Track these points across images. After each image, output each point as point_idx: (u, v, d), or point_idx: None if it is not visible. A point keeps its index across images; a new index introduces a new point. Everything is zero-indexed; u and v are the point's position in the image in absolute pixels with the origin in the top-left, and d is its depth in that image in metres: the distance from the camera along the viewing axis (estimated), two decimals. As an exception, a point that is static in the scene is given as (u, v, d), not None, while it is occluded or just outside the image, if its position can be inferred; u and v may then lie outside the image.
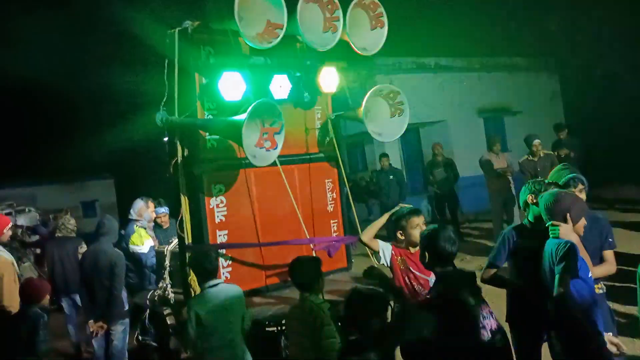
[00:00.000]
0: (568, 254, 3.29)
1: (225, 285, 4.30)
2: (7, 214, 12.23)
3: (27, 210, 12.70)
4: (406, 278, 4.19)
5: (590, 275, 3.44)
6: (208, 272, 4.16)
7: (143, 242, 5.84)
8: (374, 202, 14.22)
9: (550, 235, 3.51)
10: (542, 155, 9.50)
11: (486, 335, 3.04)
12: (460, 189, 12.22)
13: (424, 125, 16.37)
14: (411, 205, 4.53)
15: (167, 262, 5.42)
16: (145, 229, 6.03)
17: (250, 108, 4.37)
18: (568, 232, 3.46)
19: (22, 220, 12.33)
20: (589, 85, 15.25)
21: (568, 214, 3.49)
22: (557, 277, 3.27)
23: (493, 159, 10.51)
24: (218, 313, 4.07)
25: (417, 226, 4.20)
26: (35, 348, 4.37)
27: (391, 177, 11.13)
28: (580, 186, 4.23)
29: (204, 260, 4.17)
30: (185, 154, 4.95)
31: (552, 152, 9.88)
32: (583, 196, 4.10)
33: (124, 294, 5.63)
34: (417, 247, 4.16)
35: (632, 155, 11.16)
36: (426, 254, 3.27)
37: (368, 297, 3.31)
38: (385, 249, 4.33)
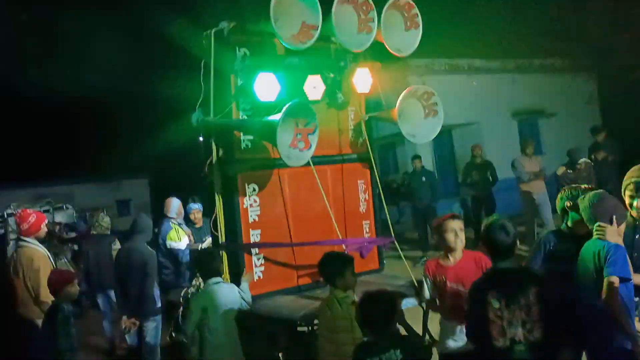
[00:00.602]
0: (618, 257, 3.25)
1: (226, 284, 4.42)
2: (45, 211, 12.58)
3: (64, 207, 13.02)
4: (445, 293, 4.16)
5: (632, 280, 3.37)
6: (212, 271, 4.33)
7: (180, 239, 5.95)
8: (405, 205, 14.16)
9: (597, 236, 3.44)
10: (582, 167, 9.13)
11: (501, 342, 3.04)
12: (494, 191, 12.08)
13: (456, 127, 16.23)
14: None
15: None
16: (181, 226, 6.13)
17: (284, 109, 4.40)
18: (614, 234, 3.40)
19: (59, 218, 12.66)
20: (626, 87, 14.88)
21: (614, 216, 3.42)
22: (605, 279, 3.22)
23: (525, 162, 10.37)
24: (220, 310, 4.20)
25: (452, 231, 4.16)
26: (56, 342, 4.31)
27: (423, 178, 11.05)
28: None
29: (209, 260, 4.35)
30: (220, 154, 5.01)
31: (590, 162, 9.49)
32: None
33: (157, 292, 5.72)
34: (455, 255, 4.15)
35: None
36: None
37: (374, 298, 3.36)
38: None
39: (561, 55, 16.51)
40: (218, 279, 4.31)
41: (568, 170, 9.14)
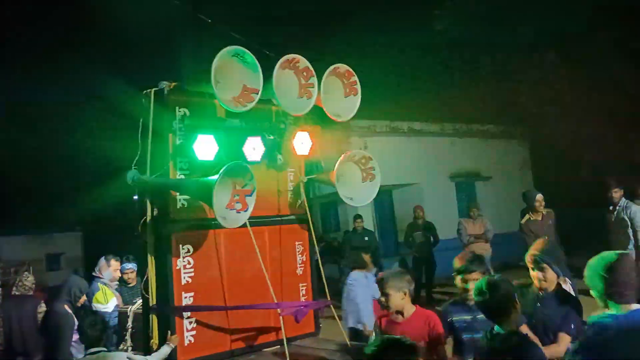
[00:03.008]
0: None
1: (110, 353, 4.26)
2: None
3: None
4: None
5: None
6: (92, 340, 4.17)
7: (108, 301, 5.68)
8: (346, 264, 14.12)
9: None
10: (544, 212, 8.52)
11: None
12: (435, 252, 12.27)
13: (397, 187, 16.56)
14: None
15: (129, 323, 5.27)
16: (108, 287, 5.88)
17: (222, 169, 4.38)
18: None
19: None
20: (556, 154, 15.71)
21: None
22: None
23: (469, 225, 10.63)
24: None
25: (400, 289, 4.17)
26: None
27: (365, 238, 11.14)
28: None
29: (88, 327, 4.19)
30: (154, 213, 4.91)
31: (551, 210, 8.77)
32: None
33: (79, 356, 5.42)
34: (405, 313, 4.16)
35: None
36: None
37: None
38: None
39: (496, 123, 17.33)
40: (98, 348, 4.12)
41: (531, 217, 8.50)
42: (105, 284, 5.78)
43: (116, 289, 5.98)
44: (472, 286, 3.94)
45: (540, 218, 8.44)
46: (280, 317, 4.85)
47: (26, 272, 6.75)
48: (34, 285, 6.58)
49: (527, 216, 8.68)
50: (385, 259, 14.18)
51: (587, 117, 14.73)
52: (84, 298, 5.71)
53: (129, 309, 5.37)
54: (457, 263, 4.25)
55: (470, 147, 17.01)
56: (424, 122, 16.74)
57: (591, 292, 2.98)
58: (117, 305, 5.78)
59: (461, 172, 17.01)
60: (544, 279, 4.00)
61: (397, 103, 16.04)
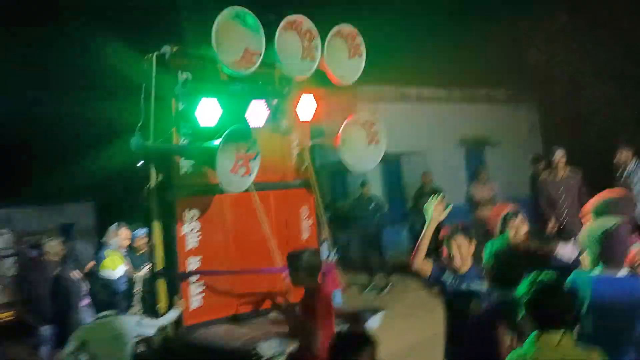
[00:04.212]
0: None
1: (119, 317, 4.29)
2: (-19, 235, 12.04)
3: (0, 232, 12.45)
4: None
5: None
6: (100, 304, 4.18)
7: (116, 267, 5.73)
8: (354, 231, 14.16)
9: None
10: (566, 172, 7.47)
11: None
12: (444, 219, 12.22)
13: (405, 154, 16.47)
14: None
15: (138, 288, 5.32)
16: (118, 253, 5.91)
17: (224, 134, 4.35)
18: None
19: (-3, 242, 12.08)
20: (566, 118, 15.50)
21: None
22: None
23: (477, 189, 10.57)
24: (103, 344, 4.05)
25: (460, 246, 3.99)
26: None
27: (371, 205, 11.12)
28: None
29: (97, 292, 4.20)
30: (158, 179, 4.90)
31: (577, 169, 7.70)
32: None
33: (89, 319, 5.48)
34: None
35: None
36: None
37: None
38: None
39: (505, 86, 17.08)
40: (108, 312, 4.16)
41: (550, 176, 7.52)
42: (114, 250, 5.82)
43: (125, 256, 6.03)
44: (456, 252, 3.90)
45: (559, 178, 7.42)
46: (285, 281, 4.85)
47: (52, 240, 6.69)
48: (59, 252, 6.54)
49: (543, 174, 7.72)
50: (393, 226, 14.20)
51: (598, 80, 14.49)
52: (91, 264, 5.77)
53: (136, 274, 5.41)
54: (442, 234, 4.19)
55: (479, 112, 16.81)
56: (432, 88, 16.54)
57: (585, 253, 3.19)
58: (126, 271, 5.83)
59: (470, 138, 16.86)
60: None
61: (405, 69, 15.85)
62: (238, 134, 4.54)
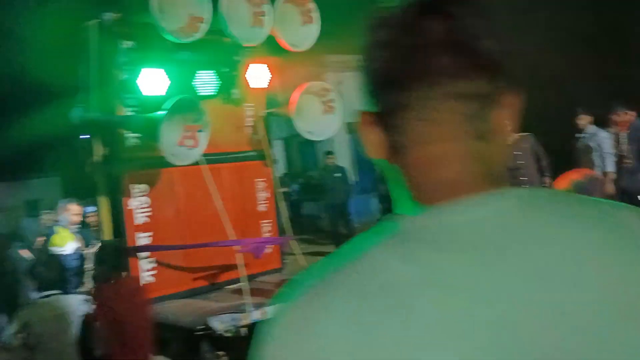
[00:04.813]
0: None
1: (63, 296, 4.13)
2: None
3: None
4: None
5: None
6: (47, 283, 4.01)
7: (65, 243, 5.55)
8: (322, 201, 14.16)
9: None
10: (517, 138, 7.23)
11: None
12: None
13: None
14: None
15: (88, 265, 5.17)
16: (68, 229, 5.72)
17: (169, 105, 4.18)
18: None
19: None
20: (533, 85, 15.51)
21: None
22: None
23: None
24: (47, 324, 3.91)
25: None
26: None
27: (337, 174, 11.05)
28: None
29: (42, 269, 4.02)
30: (103, 152, 4.73)
31: (527, 134, 7.65)
32: None
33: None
34: None
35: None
36: None
37: None
38: None
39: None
40: (53, 291, 4.00)
41: None
42: (63, 227, 5.63)
43: (77, 232, 5.85)
44: None
45: (512, 144, 7.77)
46: (240, 254, 4.76)
47: None
48: None
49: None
50: (362, 196, 14.19)
51: (566, 47, 14.50)
52: (40, 240, 5.59)
53: (88, 251, 5.25)
54: None
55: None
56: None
57: None
58: (78, 248, 5.66)
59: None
60: None
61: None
62: (184, 104, 4.38)
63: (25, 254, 5.74)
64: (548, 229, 0.63)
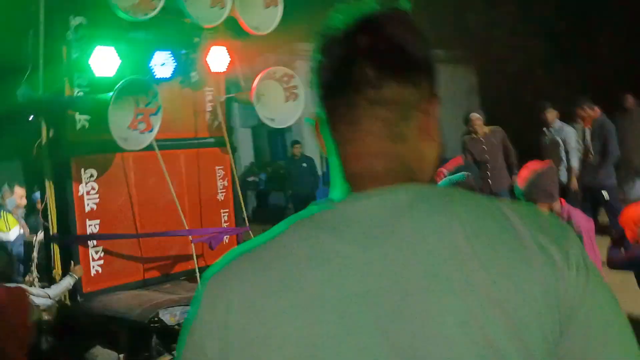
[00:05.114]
0: None
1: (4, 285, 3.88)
2: None
3: None
4: None
5: None
6: None
7: (10, 229, 5.27)
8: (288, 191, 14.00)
9: None
10: (487, 131, 7.55)
11: None
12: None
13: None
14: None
15: (34, 253, 4.91)
16: (11, 214, 5.44)
17: (118, 85, 3.95)
18: None
19: None
20: (502, 79, 15.59)
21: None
22: None
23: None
24: None
25: None
26: None
27: (304, 165, 10.88)
28: None
29: None
30: (50, 135, 4.47)
31: (498, 128, 7.83)
32: None
33: None
34: None
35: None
36: None
37: None
38: None
39: (443, 47, 16.97)
40: None
41: (472, 136, 7.60)
42: (8, 212, 5.35)
43: (23, 218, 5.57)
44: None
45: (479, 137, 7.55)
46: (192, 245, 4.57)
47: None
48: None
49: (467, 136, 7.88)
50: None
51: (534, 41, 14.56)
52: None
53: (34, 238, 4.99)
54: None
55: (418, 72, 16.68)
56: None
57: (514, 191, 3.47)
58: (22, 234, 5.38)
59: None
60: None
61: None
62: (136, 85, 4.15)
63: (-32, 240, 5.45)
64: (422, 219, 0.74)
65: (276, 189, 15.68)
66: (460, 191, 0.81)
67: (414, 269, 0.71)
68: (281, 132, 17.24)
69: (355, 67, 0.78)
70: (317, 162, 12.24)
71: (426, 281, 0.70)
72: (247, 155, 16.82)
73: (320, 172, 11.87)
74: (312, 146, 15.09)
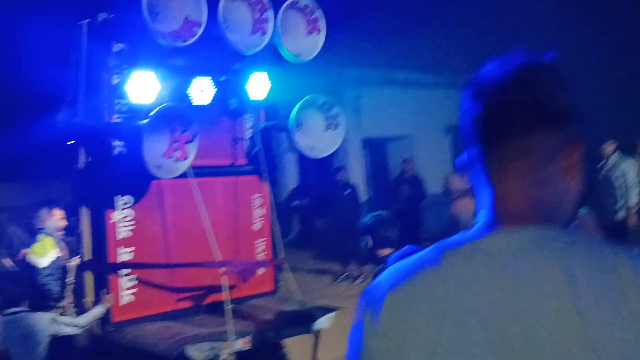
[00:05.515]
0: None
1: (29, 314, 3.81)
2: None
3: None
4: None
5: None
6: (11, 298, 3.71)
7: (45, 254, 5.25)
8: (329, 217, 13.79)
9: None
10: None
11: None
12: (424, 207, 11.85)
13: (391, 140, 16.04)
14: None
15: (70, 278, 4.87)
16: (52, 237, 5.41)
17: (154, 112, 3.89)
18: None
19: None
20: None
21: None
22: None
23: (456, 179, 10.22)
24: (16, 342, 3.61)
25: None
26: None
27: (347, 191, 10.69)
28: None
29: (10, 283, 3.72)
30: (88, 160, 4.45)
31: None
32: None
33: None
34: None
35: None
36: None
37: None
38: None
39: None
40: (19, 308, 3.70)
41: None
42: (48, 235, 5.34)
43: (62, 239, 5.55)
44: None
45: None
46: (224, 277, 4.42)
47: None
48: None
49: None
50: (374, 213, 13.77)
51: (588, 71, 14.05)
52: (24, 252, 5.31)
53: (69, 263, 4.94)
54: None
55: (468, 99, 16.31)
56: (420, 73, 16.02)
57: None
58: (59, 259, 5.35)
59: (457, 124, 16.38)
60: None
61: (392, 51, 15.33)
62: (172, 112, 4.08)
63: (7, 263, 5.47)
64: (537, 262, 0.83)
65: (320, 214, 15.51)
66: (584, 237, 0.86)
67: (518, 309, 0.81)
68: (327, 157, 17.18)
69: (504, 117, 0.89)
70: (361, 189, 12.04)
71: (522, 328, 0.80)
72: (292, 180, 16.78)
73: (363, 200, 11.64)
74: (356, 173, 14.94)
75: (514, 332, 0.80)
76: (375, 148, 16.45)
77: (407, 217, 11.02)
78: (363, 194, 12.75)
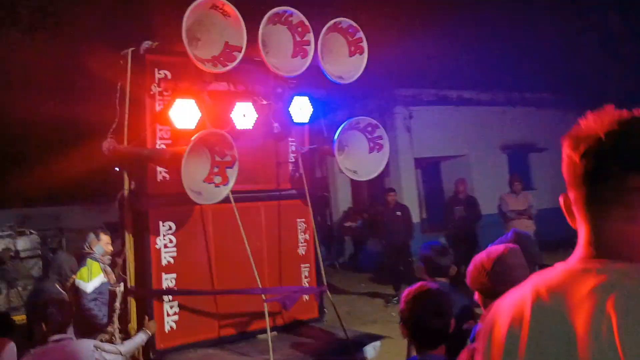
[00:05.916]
0: None
1: (72, 341, 3.77)
2: (7, 236, 12.04)
3: (27, 232, 12.43)
4: None
5: None
6: (57, 326, 3.68)
7: (92, 278, 5.29)
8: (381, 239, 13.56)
9: None
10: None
11: None
12: (480, 227, 11.49)
13: (445, 159, 15.71)
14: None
15: (117, 303, 4.89)
16: (99, 262, 5.47)
17: (194, 138, 3.88)
18: None
19: (22, 243, 12.06)
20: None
21: None
22: None
23: (511, 200, 9.86)
24: None
25: None
26: None
27: (398, 213, 10.47)
28: None
29: (55, 312, 3.69)
30: (131, 186, 4.48)
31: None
32: None
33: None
34: None
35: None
36: None
37: None
38: None
39: (552, 91, 16.08)
40: (61, 336, 3.68)
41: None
42: (95, 260, 5.41)
43: (109, 264, 5.60)
44: None
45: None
46: (265, 305, 4.32)
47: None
48: None
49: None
50: (429, 235, 13.46)
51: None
52: (74, 277, 5.39)
53: (117, 287, 4.97)
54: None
55: (523, 116, 15.84)
56: (474, 91, 15.69)
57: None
58: (105, 282, 5.40)
59: (513, 143, 15.91)
60: None
61: (445, 70, 15.10)
62: (212, 138, 4.06)
63: (58, 287, 5.56)
64: (615, 298, 0.94)
65: (373, 236, 15.28)
66: None
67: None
68: (380, 177, 16.97)
69: (605, 162, 1.03)
70: (414, 210, 11.78)
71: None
72: (345, 201, 16.65)
73: (414, 221, 11.37)
74: (409, 193, 14.67)
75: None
76: (428, 168, 16.16)
77: (462, 237, 10.69)
78: (416, 215, 12.47)
